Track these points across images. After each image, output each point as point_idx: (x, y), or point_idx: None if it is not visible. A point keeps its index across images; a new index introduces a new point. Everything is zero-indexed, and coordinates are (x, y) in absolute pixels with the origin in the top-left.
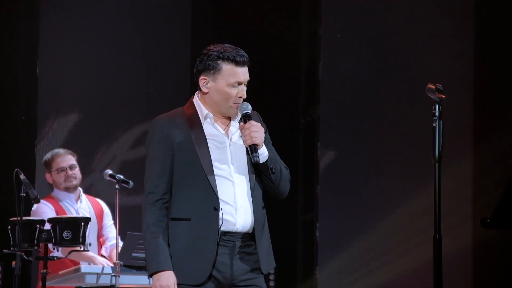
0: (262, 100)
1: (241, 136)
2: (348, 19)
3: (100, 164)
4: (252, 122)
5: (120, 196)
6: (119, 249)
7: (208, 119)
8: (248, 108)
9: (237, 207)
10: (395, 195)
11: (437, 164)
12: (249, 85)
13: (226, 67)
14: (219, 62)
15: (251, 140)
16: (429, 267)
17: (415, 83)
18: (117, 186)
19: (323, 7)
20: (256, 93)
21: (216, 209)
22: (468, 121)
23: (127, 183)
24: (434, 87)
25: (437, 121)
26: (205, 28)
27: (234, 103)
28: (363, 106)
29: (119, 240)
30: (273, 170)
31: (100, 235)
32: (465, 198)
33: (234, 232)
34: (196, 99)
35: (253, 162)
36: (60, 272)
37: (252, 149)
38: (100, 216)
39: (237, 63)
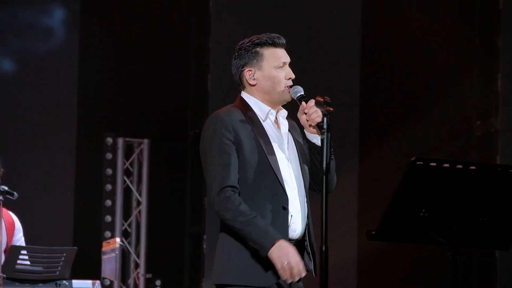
0: (151, 112)
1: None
2: (237, 31)
3: None
4: (314, 101)
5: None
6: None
7: (270, 116)
8: (300, 90)
9: (296, 212)
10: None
11: (324, 176)
12: (138, 96)
13: (267, 51)
14: (258, 49)
15: (319, 117)
16: (315, 278)
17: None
18: (1, 197)
19: (213, 20)
20: (144, 105)
21: (285, 208)
22: (355, 135)
23: (12, 194)
24: (322, 99)
25: (325, 133)
26: (93, 42)
27: (286, 87)
28: None
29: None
30: (333, 153)
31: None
32: (351, 210)
33: (290, 239)
34: (247, 96)
35: (324, 137)
36: None
37: (320, 127)
38: (10, 229)
39: (276, 45)
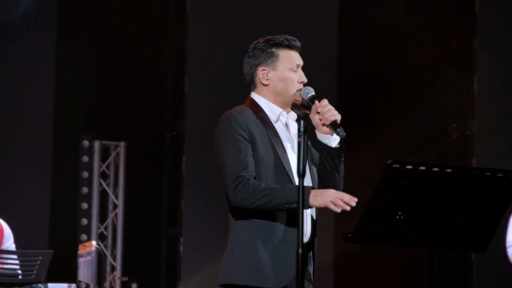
0: (127, 115)
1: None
2: (214, 33)
3: None
4: (326, 100)
5: None
6: None
7: (281, 117)
8: (312, 91)
9: (305, 214)
10: None
11: (301, 179)
12: (114, 99)
13: (282, 53)
14: (274, 49)
15: (333, 116)
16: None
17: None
18: None
19: (190, 22)
20: (121, 108)
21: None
22: None
23: None
24: (299, 103)
25: (302, 136)
26: (70, 44)
27: (298, 89)
28: None
29: None
30: (343, 156)
31: None
32: (328, 212)
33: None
34: (257, 97)
35: (341, 137)
36: None
37: (334, 125)
38: None
39: (292, 47)
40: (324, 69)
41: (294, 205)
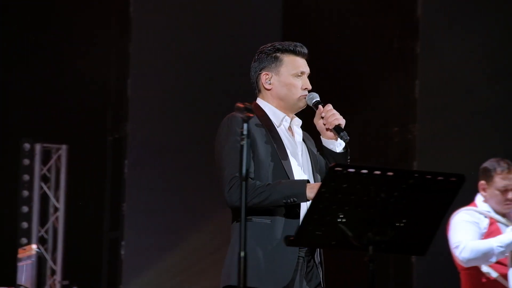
0: (69, 117)
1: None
2: (158, 36)
3: None
4: (331, 105)
5: None
6: None
7: (284, 122)
8: (316, 96)
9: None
10: (200, 212)
11: (244, 182)
12: (56, 101)
13: (287, 58)
14: (278, 54)
15: (337, 120)
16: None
17: (227, 100)
18: None
19: (133, 25)
20: (63, 110)
21: (298, 212)
22: None
23: None
24: (243, 106)
25: (245, 139)
26: (10, 44)
27: (301, 96)
28: (171, 124)
29: None
30: (349, 161)
31: None
32: None
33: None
34: (262, 102)
35: (344, 140)
36: None
37: (338, 129)
38: None
39: (297, 53)
40: None
41: (292, 199)
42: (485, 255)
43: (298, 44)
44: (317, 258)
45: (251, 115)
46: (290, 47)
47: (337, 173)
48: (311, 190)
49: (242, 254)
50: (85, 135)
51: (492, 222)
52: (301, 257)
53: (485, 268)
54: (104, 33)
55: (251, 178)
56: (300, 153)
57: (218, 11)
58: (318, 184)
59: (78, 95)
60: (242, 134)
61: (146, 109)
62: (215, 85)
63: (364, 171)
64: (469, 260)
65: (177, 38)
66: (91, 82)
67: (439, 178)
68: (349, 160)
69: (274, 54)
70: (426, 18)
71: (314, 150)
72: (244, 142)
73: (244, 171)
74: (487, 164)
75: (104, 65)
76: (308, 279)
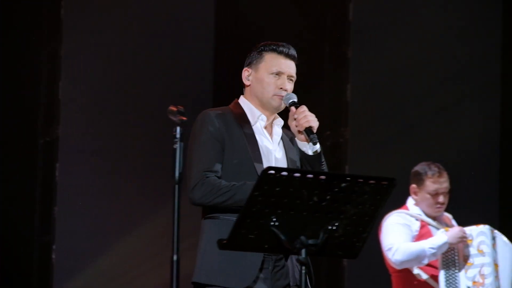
0: None
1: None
2: (89, 39)
3: None
4: (305, 107)
5: None
6: None
7: (259, 121)
8: (293, 97)
9: None
10: (134, 216)
11: (177, 185)
12: None
13: (268, 56)
14: (263, 53)
15: (307, 122)
16: None
17: (160, 102)
18: None
19: (64, 27)
20: None
21: None
22: None
23: None
24: (176, 109)
25: (178, 143)
26: None
27: (275, 95)
28: (104, 127)
29: None
30: (324, 163)
31: None
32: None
33: None
34: (242, 99)
35: (313, 143)
36: None
37: (308, 132)
38: None
39: (280, 53)
40: (200, 72)
41: None
42: (418, 257)
43: (285, 44)
44: (293, 258)
45: (184, 118)
46: (273, 45)
47: (270, 177)
48: None
49: (175, 258)
50: (16, 138)
51: (423, 225)
52: (268, 255)
53: (416, 270)
54: (35, 36)
55: (218, 177)
56: (273, 154)
57: (150, 13)
58: None
59: (7, 98)
60: (174, 137)
61: (78, 112)
62: (148, 87)
63: (297, 174)
64: (402, 262)
65: (108, 40)
66: (21, 85)
67: (371, 181)
68: (323, 163)
69: (259, 51)
70: (357, 23)
71: (295, 151)
72: (177, 146)
73: (177, 174)
74: (418, 168)
75: (34, 68)
76: (276, 278)
